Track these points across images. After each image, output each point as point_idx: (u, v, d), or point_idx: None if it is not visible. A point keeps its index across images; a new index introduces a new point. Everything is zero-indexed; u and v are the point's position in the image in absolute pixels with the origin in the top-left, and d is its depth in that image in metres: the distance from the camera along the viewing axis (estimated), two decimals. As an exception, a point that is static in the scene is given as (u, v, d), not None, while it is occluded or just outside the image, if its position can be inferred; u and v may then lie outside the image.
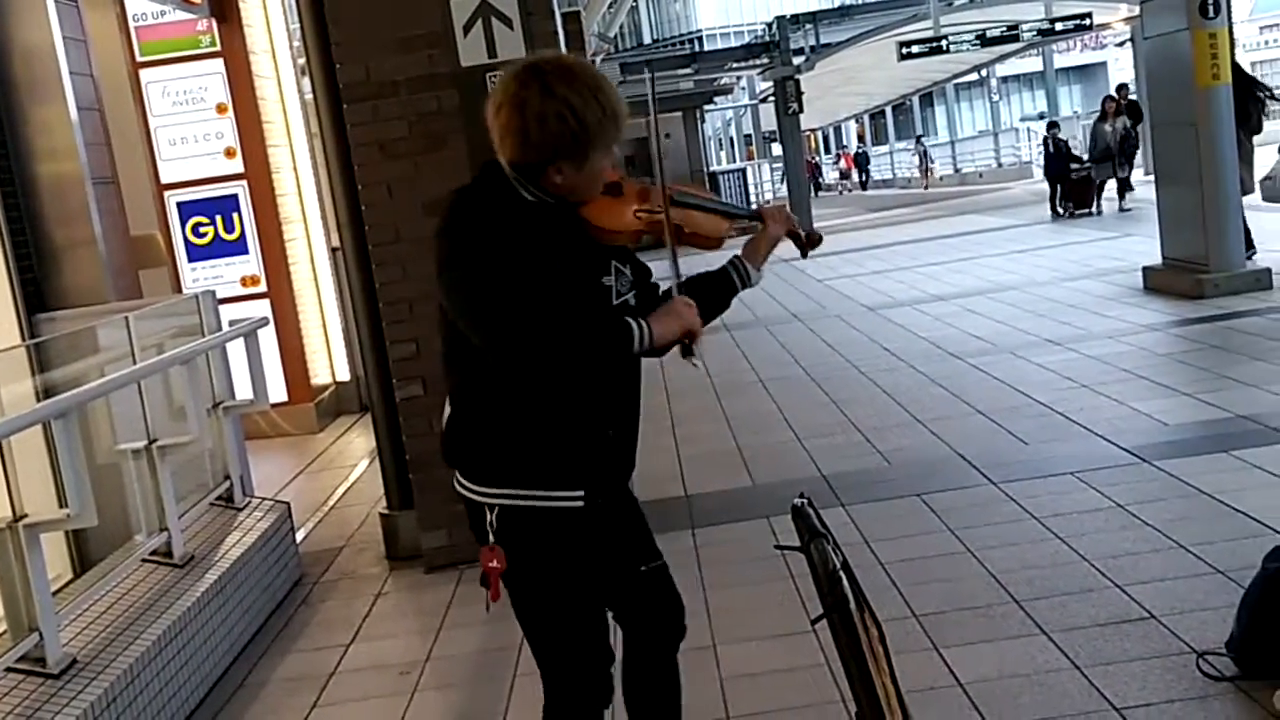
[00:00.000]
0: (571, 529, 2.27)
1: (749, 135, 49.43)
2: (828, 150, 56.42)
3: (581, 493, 2.26)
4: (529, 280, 2.09)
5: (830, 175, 46.64)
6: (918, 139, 38.68)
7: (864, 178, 42.57)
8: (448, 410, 2.33)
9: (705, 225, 2.35)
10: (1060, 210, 16.76)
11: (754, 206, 2.46)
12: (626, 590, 2.45)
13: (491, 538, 2.27)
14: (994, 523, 4.54)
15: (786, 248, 2.55)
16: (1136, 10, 16.16)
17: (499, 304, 2.08)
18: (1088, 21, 24.82)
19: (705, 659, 3.61)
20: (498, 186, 2.22)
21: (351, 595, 4.91)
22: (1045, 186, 17.92)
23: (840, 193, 41.80)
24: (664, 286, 2.38)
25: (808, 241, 2.50)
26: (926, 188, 34.44)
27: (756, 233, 2.45)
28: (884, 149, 45.96)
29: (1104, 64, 54.13)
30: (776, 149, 39.97)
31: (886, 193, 36.69)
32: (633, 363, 2.32)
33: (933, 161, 37.13)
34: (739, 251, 2.46)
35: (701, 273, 2.43)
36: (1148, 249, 10.14)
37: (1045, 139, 18.69)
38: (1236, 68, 8.90)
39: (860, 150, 46.30)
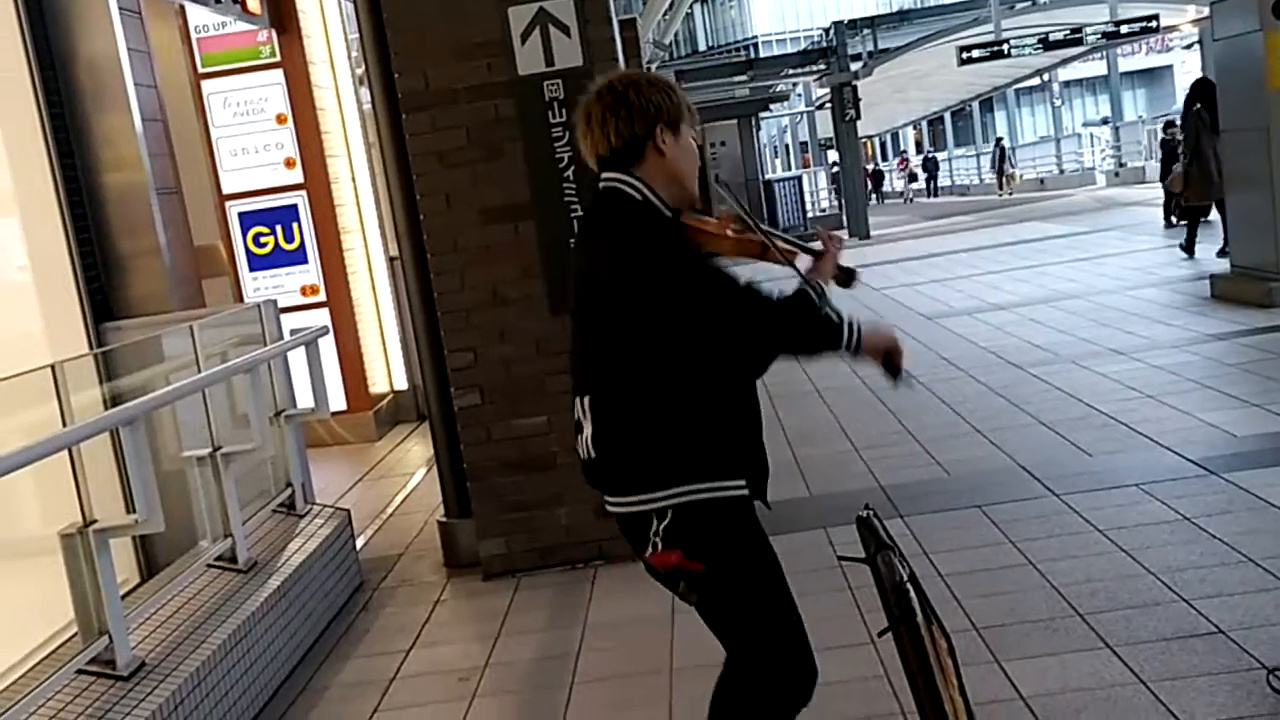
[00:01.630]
0: (743, 516, 2.34)
1: (804, 142, 49.20)
2: (884, 158, 55.82)
3: (744, 481, 2.34)
4: (730, 282, 2.27)
5: (898, 182, 44.18)
6: (998, 140, 35.57)
7: (933, 184, 39.85)
8: (588, 430, 2.37)
9: (783, 253, 2.48)
10: (1174, 219, 13.78)
11: (814, 239, 2.58)
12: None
13: (659, 546, 2.30)
14: (1056, 535, 4.47)
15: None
16: (1205, 12, 15.87)
17: (741, 308, 2.27)
18: (1154, 24, 24.39)
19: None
20: (638, 205, 2.35)
21: (411, 602, 4.95)
22: (1111, 193, 17.48)
23: (908, 200, 38.97)
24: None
25: (845, 276, 2.57)
26: (1011, 193, 30.65)
27: (817, 260, 2.52)
28: (942, 155, 44.97)
29: (1170, 67, 53.19)
30: (833, 155, 39.67)
31: (959, 200, 34.10)
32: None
33: (1014, 165, 33.83)
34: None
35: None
36: (1215, 257, 9.93)
37: (1163, 140, 16.00)
38: None
39: (928, 155, 43.19)
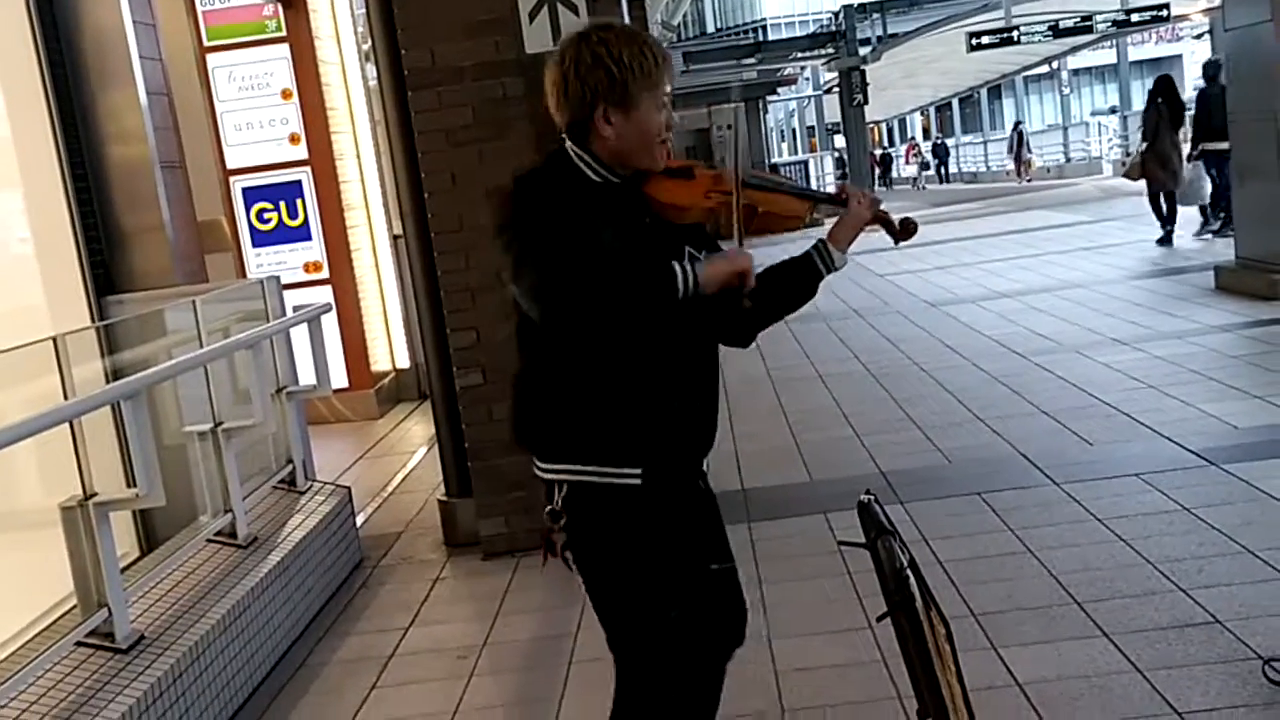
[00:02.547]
0: (633, 509, 2.22)
1: (811, 127, 49.03)
2: (892, 143, 55.58)
3: (639, 470, 2.21)
4: (582, 242, 2.07)
5: (909, 168, 43.18)
6: (1016, 125, 34.16)
7: (944, 171, 39.33)
8: (516, 395, 2.32)
9: (781, 206, 2.30)
10: (1211, 226, 12.12)
11: (837, 190, 2.36)
12: (691, 587, 2.36)
13: (557, 517, 2.26)
14: (1056, 523, 4.47)
15: (877, 240, 2.48)
16: (1217, 1, 15.81)
17: (551, 264, 2.07)
18: (1165, 13, 24.29)
19: (760, 652, 3.59)
20: (562, 168, 2.23)
21: (410, 580, 4.96)
22: (1117, 182, 17.37)
23: (920, 187, 37.53)
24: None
25: (901, 230, 2.38)
26: (1029, 180, 29.25)
27: (842, 216, 2.36)
28: (951, 142, 44.65)
29: (1179, 57, 52.93)
30: (840, 141, 39.41)
31: (968, 187, 33.05)
32: (702, 341, 2.28)
33: (1031, 151, 32.05)
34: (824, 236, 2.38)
35: (785, 259, 2.37)
36: (1219, 247, 9.91)
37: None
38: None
39: (938, 140, 42.74)
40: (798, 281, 2.34)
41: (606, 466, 2.21)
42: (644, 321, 2.12)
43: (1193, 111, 12.11)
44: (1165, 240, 11.91)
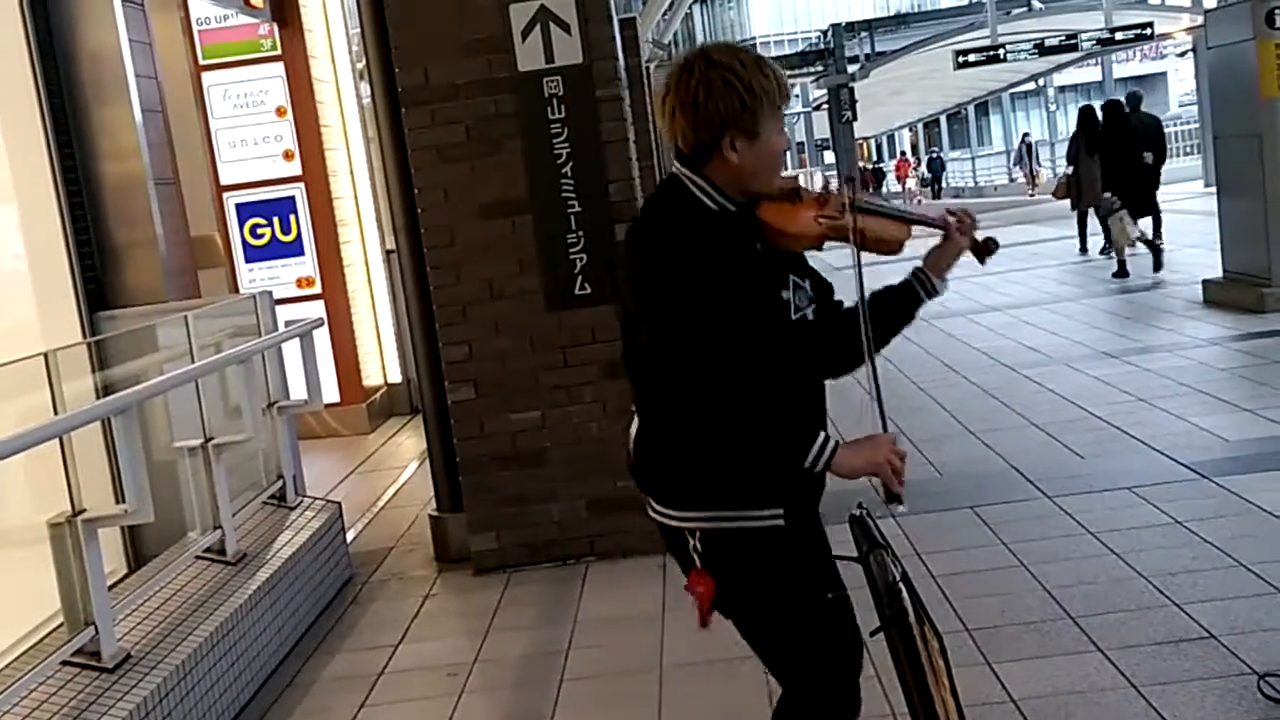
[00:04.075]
0: (776, 549, 2.19)
1: (801, 143, 49.21)
2: (881, 158, 55.77)
3: (781, 510, 2.18)
4: (716, 309, 2.03)
5: (909, 183, 43.09)
6: (1024, 136, 33.66)
7: (937, 186, 38.90)
8: (635, 428, 2.28)
9: (887, 231, 2.26)
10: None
11: (937, 217, 2.32)
12: (829, 613, 2.30)
13: (698, 562, 2.21)
14: (1048, 537, 4.47)
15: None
16: (1200, 20, 15.91)
17: (687, 346, 2.03)
18: (1149, 31, 24.46)
19: (754, 668, 3.57)
20: (682, 197, 2.18)
21: (400, 596, 4.94)
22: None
23: (918, 202, 36.71)
24: (847, 303, 2.31)
25: (984, 248, 2.37)
26: (1033, 194, 28.04)
27: (942, 241, 2.33)
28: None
29: (1164, 74, 53.31)
30: (829, 157, 39.51)
31: (974, 202, 32.18)
32: (817, 381, 2.28)
33: (1040, 164, 31.11)
34: (919, 260, 2.35)
35: (886, 286, 2.34)
36: (1207, 261, 9.97)
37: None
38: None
39: (933, 155, 42.46)
40: (900, 309, 2.32)
41: (749, 510, 2.17)
42: (759, 414, 2.06)
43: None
44: (1082, 248, 12.69)
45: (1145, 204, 11.55)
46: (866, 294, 2.22)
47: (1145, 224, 11.70)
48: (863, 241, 2.21)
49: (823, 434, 2.07)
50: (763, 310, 2.14)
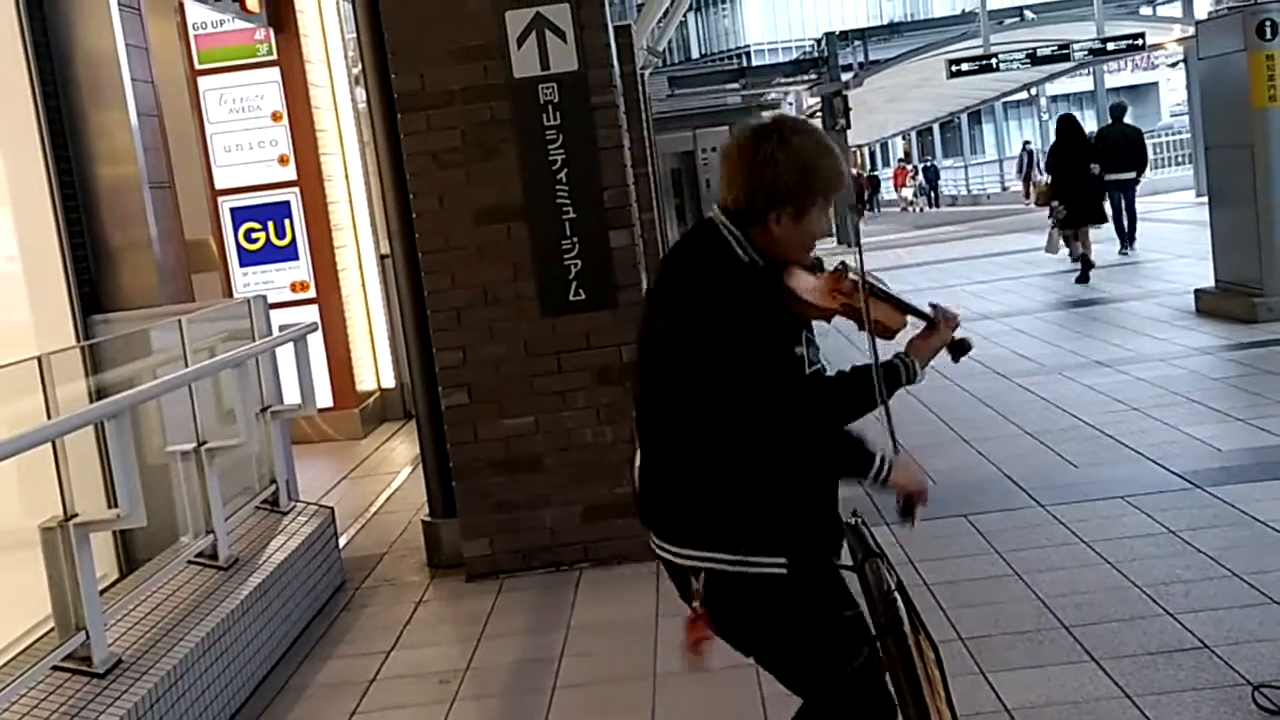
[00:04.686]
0: (778, 595, 2.21)
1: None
2: (874, 167, 55.79)
3: (785, 560, 2.20)
4: (771, 355, 2.15)
5: (906, 191, 42.79)
6: (1025, 144, 33.02)
7: (933, 194, 38.63)
8: (639, 462, 2.32)
9: (888, 319, 2.36)
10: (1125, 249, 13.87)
11: (930, 309, 2.45)
12: (838, 641, 2.31)
13: (698, 604, 2.23)
14: (1042, 546, 4.48)
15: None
16: (1191, 31, 15.97)
17: (777, 383, 2.14)
18: (1140, 42, 24.52)
19: (746, 676, 3.56)
20: (720, 247, 2.23)
21: (392, 602, 4.92)
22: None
23: (917, 210, 36.86)
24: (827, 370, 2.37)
25: (960, 347, 2.54)
26: (1038, 203, 29.06)
27: (928, 332, 2.43)
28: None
29: (1155, 85, 53.49)
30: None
31: (972, 209, 32.00)
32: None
33: (1042, 172, 32.40)
34: (903, 347, 2.41)
35: (865, 364, 2.36)
36: (1200, 271, 9.99)
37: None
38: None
39: (928, 164, 42.05)
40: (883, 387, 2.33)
41: (751, 556, 2.19)
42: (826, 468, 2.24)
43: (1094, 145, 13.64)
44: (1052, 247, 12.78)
45: (1092, 213, 11.99)
46: (849, 368, 2.32)
47: (1095, 234, 12.29)
48: (875, 325, 2.33)
49: (880, 451, 2.21)
50: (787, 362, 2.20)
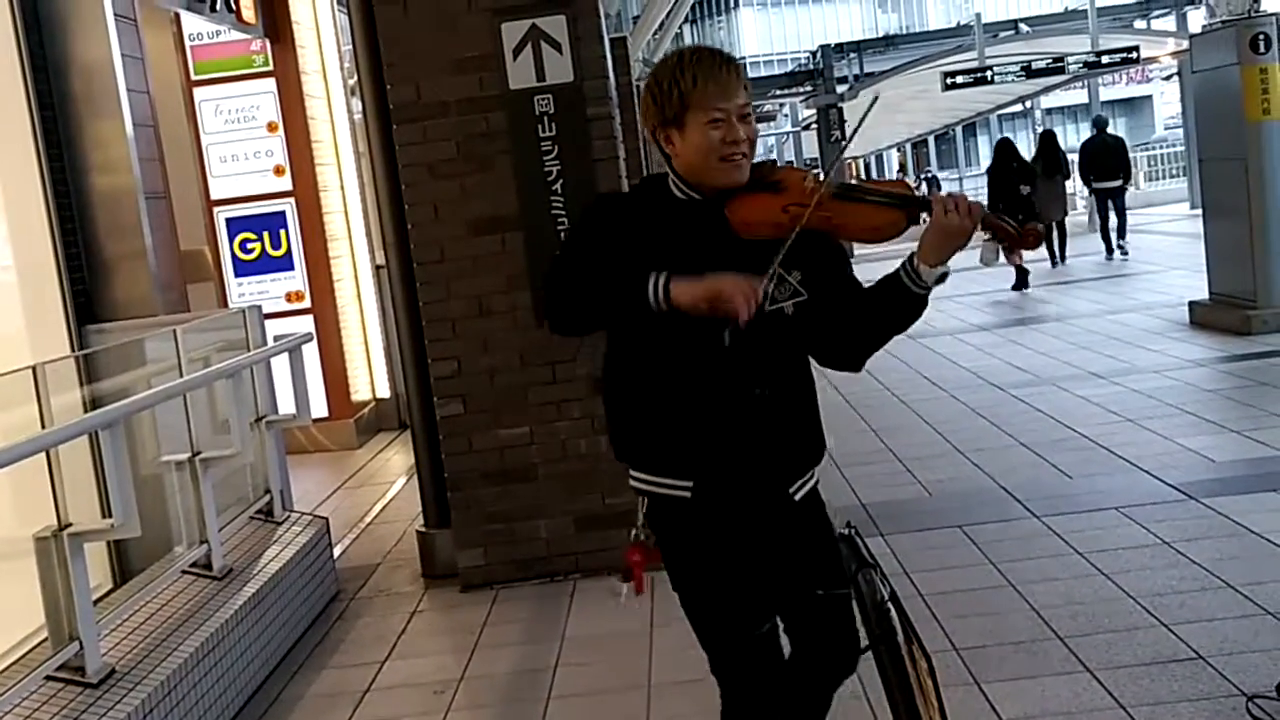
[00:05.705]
0: (685, 521, 2.23)
1: (790, 162, 49.31)
2: (869, 177, 55.92)
3: (690, 483, 2.22)
4: (580, 251, 2.27)
5: None
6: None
7: None
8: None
9: (862, 217, 2.14)
10: (1118, 253, 14.78)
11: (927, 194, 2.16)
12: (797, 609, 2.31)
13: (640, 526, 2.27)
14: (1036, 557, 4.48)
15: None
16: (1185, 44, 16.02)
17: (551, 267, 2.29)
18: (1134, 55, 24.60)
19: (741, 687, 3.57)
20: (650, 183, 2.35)
21: (387, 612, 4.91)
22: (1085, 218, 17.58)
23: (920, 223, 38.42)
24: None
25: (1021, 238, 2.09)
26: None
27: (929, 226, 2.11)
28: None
29: (1149, 98, 53.70)
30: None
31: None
32: (755, 356, 2.19)
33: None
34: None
35: (881, 278, 2.23)
36: (1194, 283, 10.03)
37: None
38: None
39: (928, 174, 42.36)
40: (891, 301, 2.18)
41: (662, 477, 2.25)
42: (614, 321, 2.26)
43: (1077, 158, 14.96)
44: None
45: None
46: (777, 269, 2.18)
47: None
48: (844, 232, 2.19)
49: (654, 272, 2.10)
50: (582, 258, 2.27)
